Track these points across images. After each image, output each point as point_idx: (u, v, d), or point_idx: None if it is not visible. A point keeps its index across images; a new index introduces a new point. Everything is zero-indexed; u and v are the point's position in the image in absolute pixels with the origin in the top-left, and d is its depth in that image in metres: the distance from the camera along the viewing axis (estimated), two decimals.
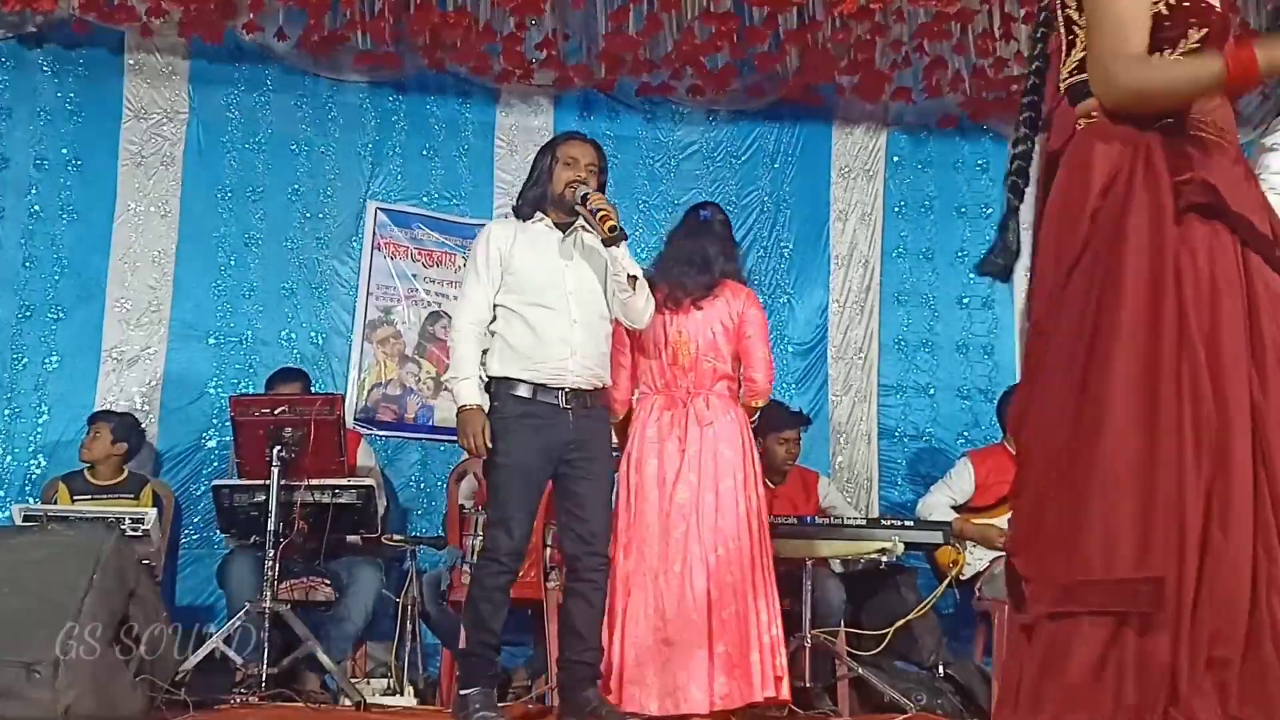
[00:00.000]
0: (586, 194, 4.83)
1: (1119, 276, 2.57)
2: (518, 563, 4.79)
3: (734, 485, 5.08)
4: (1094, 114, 2.72)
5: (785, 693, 5.01)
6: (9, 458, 7.03)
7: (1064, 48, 2.81)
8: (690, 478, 5.08)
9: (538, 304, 4.82)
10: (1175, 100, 2.61)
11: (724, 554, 5.01)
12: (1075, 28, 2.77)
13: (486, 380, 4.83)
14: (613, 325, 5.01)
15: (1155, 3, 2.64)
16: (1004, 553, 6.04)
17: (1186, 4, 2.65)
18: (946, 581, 6.23)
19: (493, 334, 4.85)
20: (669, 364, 5.24)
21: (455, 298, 7.46)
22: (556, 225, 4.94)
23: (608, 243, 4.78)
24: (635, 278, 4.84)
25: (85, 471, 6.46)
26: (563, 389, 4.77)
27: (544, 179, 4.97)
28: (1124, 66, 2.61)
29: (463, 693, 4.74)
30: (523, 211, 5.02)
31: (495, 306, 4.86)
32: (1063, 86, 2.82)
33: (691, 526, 5.03)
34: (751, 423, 5.32)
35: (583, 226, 4.94)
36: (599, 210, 4.75)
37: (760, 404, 5.26)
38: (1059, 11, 2.81)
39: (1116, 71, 2.61)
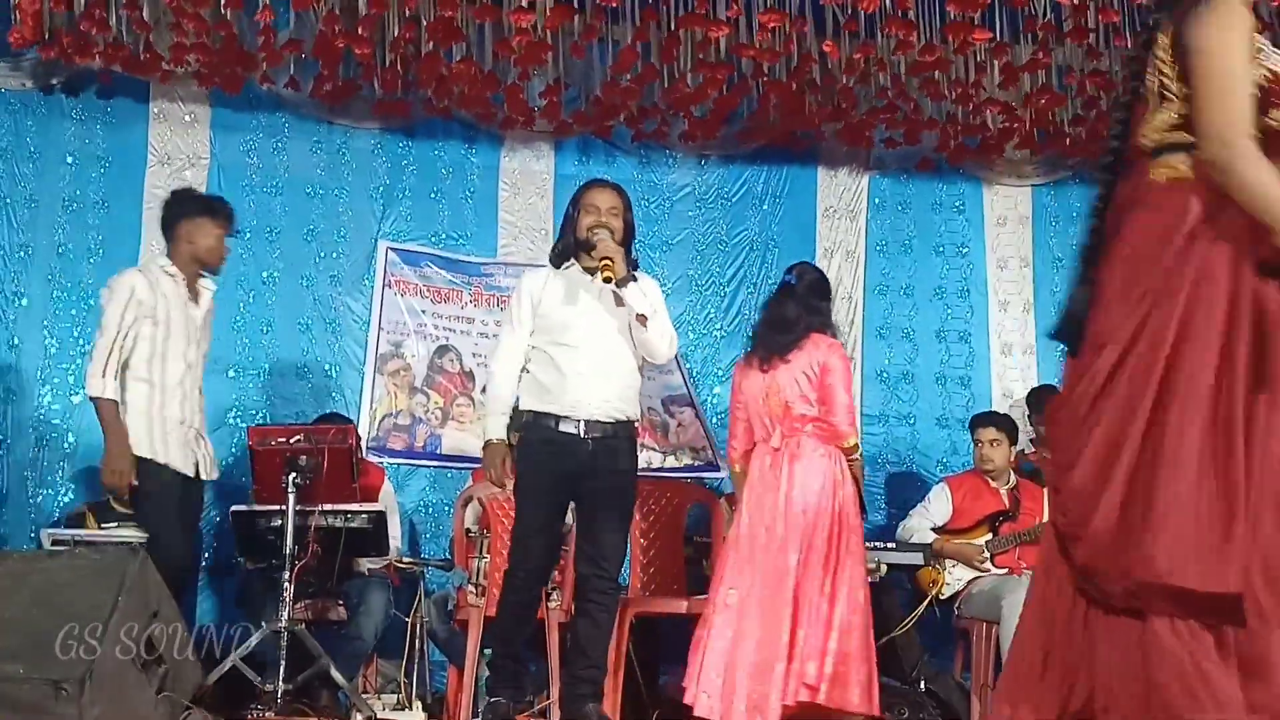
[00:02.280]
0: (595, 241, 4.95)
1: (1207, 311, 2.66)
2: (536, 580, 4.87)
3: (814, 518, 5.19)
4: (1180, 166, 2.79)
5: (824, 698, 5.01)
6: (40, 486, 7.02)
7: (1151, 107, 2.85)
8: (786, 511, 5.21)
9: (560, 343, 4.96)
10: (1251, 204, 2.65)
11: (800, 578, 5.13)
12: (1168, 93, 2.81)
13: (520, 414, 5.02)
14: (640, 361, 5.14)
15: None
16: (981, 573, 6.10)
17: (1274, 85, 2.74)
18: (927, 600, 6.23)
19: (526, 372, 5.02)
20: (766, 415, 5.39)
21: (462, 332, 7.54)
22: (585, 270, 5.03)
23: (607, 283, 4.91)
24: (645, 316, 4.89)
25: (111, 499, 6.44)
26: (580, 420, 4.89)
27: (570, 227, 5.12)
28: (1243, 154, 2.65)
29: (489, 699, 4.88)
30: (554, 260, 5.16)
31: (530, 349, 5.03)
32: (1146, 144, 2.87)
33: (785, 558, 5.15)
34: (851, 460, 5.42)
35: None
36: (601, 258, 4.87)
37: (847, 444, 5.38)
38: (1151, 74, 2.84)
39: (1236, 154, 2.66)
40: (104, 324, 5.21)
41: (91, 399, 5.22)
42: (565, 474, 4.89)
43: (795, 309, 5.48)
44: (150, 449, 5.20)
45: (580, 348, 4.94)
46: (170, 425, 5.22)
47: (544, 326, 5.00)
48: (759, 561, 5.20)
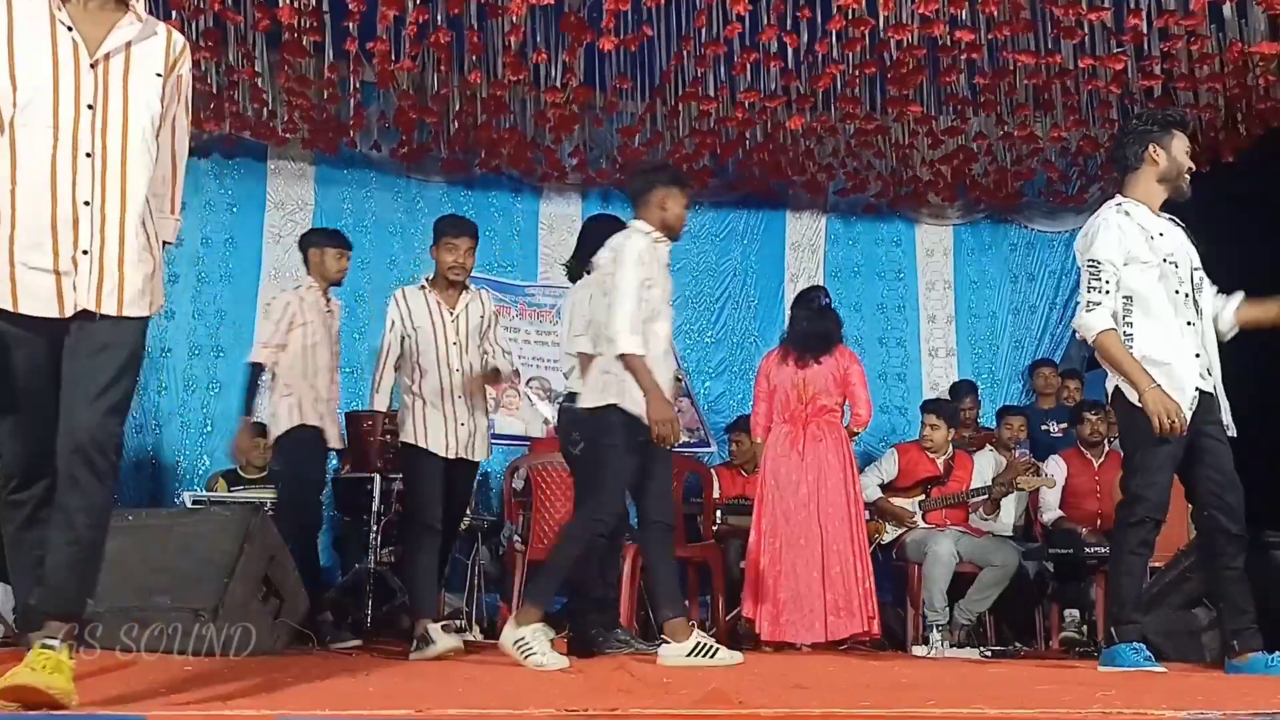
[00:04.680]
0: None
1: None
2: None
3: (839, 482, 5.39)
4: None
5: (876, 629, 5.31)
6: (181, 459, 7.05)
7: None
8: (809, 478, 5.38)
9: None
10: None
11: (832, 530, 5.32)
12: None
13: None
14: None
15: None
16: (910, 528, 6.03)
17: None
18: (872, 547, 6.16)
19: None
20: (795, 401, 5.53)
21: (510, 339, 7.48)
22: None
23: None
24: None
25: (238, 468, 6.47)
26: None
27: None
28: None
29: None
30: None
31: None
32: None
33: (811, 512, 5.33)
34: (853, 438, 5.63)
35: None
36: None
37: (860, 431, 5.62)
38: None
39: None
40: (622, 286, 4.16)
41: (620, 356, 4.08)
42: None
43: (832, 326, 5.63)
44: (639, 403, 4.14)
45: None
46: (664, 389, 4.17)
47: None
48: (790, 516, 5.34)
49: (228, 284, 7.34)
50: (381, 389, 4.84)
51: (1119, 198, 4.07)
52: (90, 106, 2.41)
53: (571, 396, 4.73)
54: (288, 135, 7.11)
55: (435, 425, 4.68)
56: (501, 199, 7.92)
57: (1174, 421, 3.71)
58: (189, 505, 5.77)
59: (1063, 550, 5.88)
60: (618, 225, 5.02)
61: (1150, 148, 4.02)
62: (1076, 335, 4.05)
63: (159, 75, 2.51)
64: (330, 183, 7.62)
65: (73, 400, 2.36)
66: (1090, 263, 3.91)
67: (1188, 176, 4.06)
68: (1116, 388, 3.91)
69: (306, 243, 5.48)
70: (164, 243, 2.62)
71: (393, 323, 4.87)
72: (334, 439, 5.25)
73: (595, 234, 5.00)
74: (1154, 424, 3.71)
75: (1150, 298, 3.88)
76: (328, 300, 5.39)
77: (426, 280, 4.96)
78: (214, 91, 6.54)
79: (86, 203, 2.39)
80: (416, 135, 7.20)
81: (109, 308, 2.40)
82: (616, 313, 4.10)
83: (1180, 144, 4.05)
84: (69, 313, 2.37)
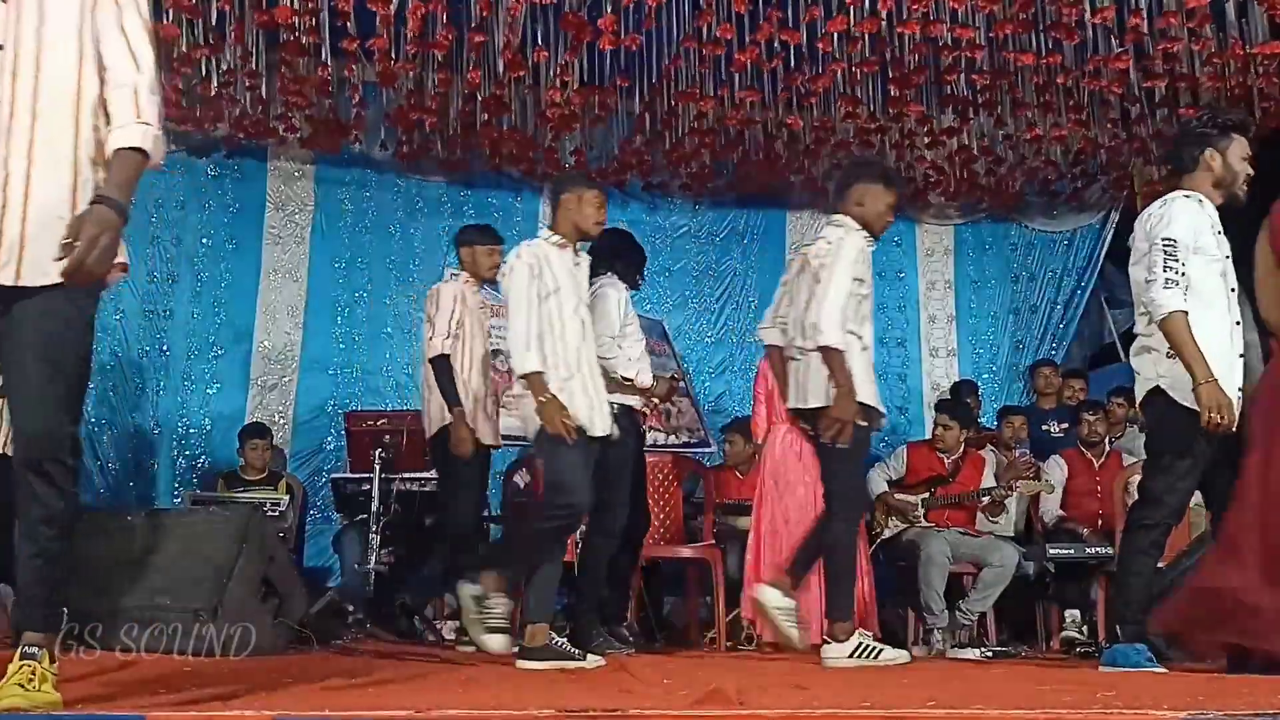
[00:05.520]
0: None
1: None
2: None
3: None
4: None
5: (874, 629, 5.10)
6: (181, 458, 7.05)
7: None
8: (807, 479, 5.24)
9: None
10: None
11: None
12: None
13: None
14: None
15: None
16: (910, 524, 6.00)
17: None
18: (874, 546, 6.15)
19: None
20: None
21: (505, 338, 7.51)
22: None
23: None
24: None
25: (238, 469, 6.46)
26: None
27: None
28: None
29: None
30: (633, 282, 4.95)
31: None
32: None
33: (810, 513, 5.14)
34: None
35: None
36: None
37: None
38: None
39: None
40: (835, 280, 4.18)
41: (825, 346, 4.12)
42: None
43: None
44: (872, 397, 4.26)
45: None
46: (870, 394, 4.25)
47: None
48: (789, 518, 5.25)
49: (228, 284, 7.33)
50: (534, 346, 3.98)
51: (1184, 190, 3.95)
52: (1, 47, 2.13)
53: None
54: (288, 135, 7.11)
55: (581, 399, 4.02)
56: (501, 199, 7.91)
57: (1224, 418, 3.63)
58: (188, 505, 5.76)
59: (1063, 550, 5.87)
60: (627, 239, 5.04)
61: (1207, 152, 3.96)
62: (1147, 315, 3.83)
63: None
64: (330, 183, 7.62)
65: (16, 404, 2.17)
66: (1168, 241, 3.78)
67: (1244, 184, 3.99)
68: (1156, 387, 3.83)
69: (460, 240, 5.47)
70: (140, 151, 2.20)
71: (537, 274, 4.06)
72: (487, 435, 5.12)
73: (604, 245, 5.01)
74: (1204, 417, 3.64)
75: (1210, 292, 3.83)
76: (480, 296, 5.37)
77: (558, 234, 4.22)
78: (214, 91, 6.53)
79: None
80: (416, 135, 7.20)
81: (5, 277, 2.12)
82: (825, 305, 4.09)
83: (1238, 149, 3.97)
84: None
